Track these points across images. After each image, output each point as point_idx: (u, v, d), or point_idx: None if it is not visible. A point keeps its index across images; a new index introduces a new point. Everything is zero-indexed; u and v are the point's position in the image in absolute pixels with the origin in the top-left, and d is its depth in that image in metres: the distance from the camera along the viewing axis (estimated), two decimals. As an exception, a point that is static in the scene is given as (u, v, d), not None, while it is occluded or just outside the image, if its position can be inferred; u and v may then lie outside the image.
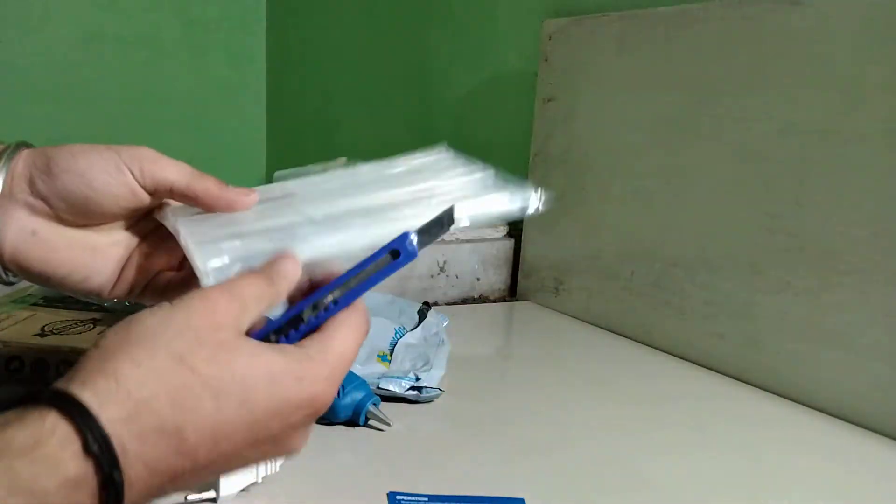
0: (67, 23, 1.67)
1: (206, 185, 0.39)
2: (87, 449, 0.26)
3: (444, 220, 0.36)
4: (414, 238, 0.35)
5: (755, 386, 0.73)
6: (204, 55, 1.85)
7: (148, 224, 0.42)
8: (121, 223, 0.42)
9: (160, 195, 0.40)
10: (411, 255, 0.35)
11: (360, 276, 0.34)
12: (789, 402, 0.70)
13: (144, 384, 0.28)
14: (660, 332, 0.83)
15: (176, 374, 0.29)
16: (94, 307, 0.65)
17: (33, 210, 0.39)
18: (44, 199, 0.39)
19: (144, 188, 0.39)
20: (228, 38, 1.88)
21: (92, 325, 0.62)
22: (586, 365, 0.79)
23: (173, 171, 0.39)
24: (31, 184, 0.39)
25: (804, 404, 0.69)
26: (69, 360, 0.55)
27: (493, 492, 0.50)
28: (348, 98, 1.60)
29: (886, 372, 0.63)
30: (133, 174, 0.39)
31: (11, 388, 0.55)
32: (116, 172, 0.38)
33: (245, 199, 0.40)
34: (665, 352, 0.82)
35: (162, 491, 0.29)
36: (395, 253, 0.34)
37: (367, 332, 0.35)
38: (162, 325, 0.30)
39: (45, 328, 0.60)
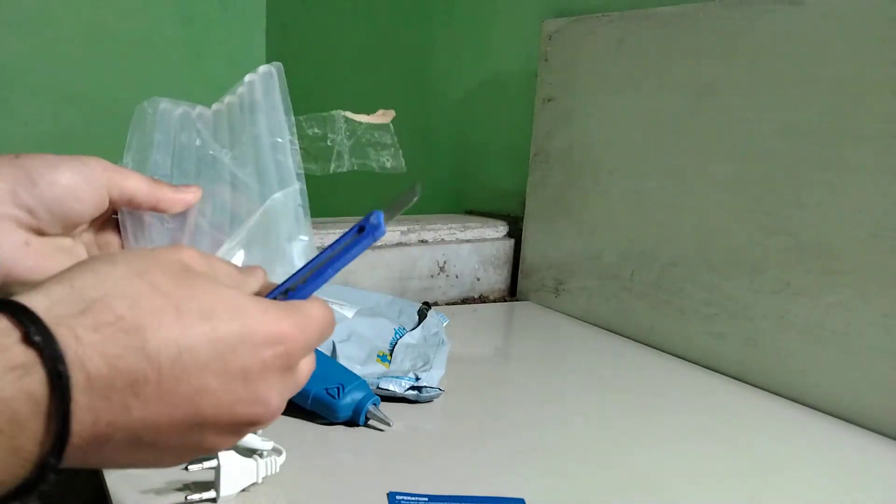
0: (67, 22, 1.67)
1: (164, 191, 0.43)
2: (28, 339, 0.25)
3: (406, 198, 0.37)
4: (380, 215, 0.36)
5: (755, 386, 0.73)
6: (204, 55, 1.85)
7: (95, 223, 0.45)
8: (84, 226, 0.44)
9: (120, 204, 0.43)
10: (375, 229, 0.35)
11: (329, 255, 0.35)
12: (789, 402, 0.70)
13: (100, 287, 0.28)
14: (660, 332, 0.83)
15: (134, 286, 0.28)
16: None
17: (20, 222, 0.40)
18: (29, 210, 0.40)
19: (110, 197, 0.42)
20: (228, 38, 1.88)
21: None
22: (586, 365, 0.79)
23: (135, 181, 0.43)
24: (15, 196, 0.39)
25: (804, 404, 0.69)
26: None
27: (493, 492, 0.50)
28: (348, 98, 1.60)
29: (886, 372, 0.63)
30: (106, 185, 0.42)
31: None
32: (95, 184, 0.41)
33: (194, 194, 0.45)
34: (665, 352, 0.82)
35: (126, 408, 0.27)
36: (362, 229, 0.35)
37: (332, 324, 0.35)
38: (126, 252, 0.32)
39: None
